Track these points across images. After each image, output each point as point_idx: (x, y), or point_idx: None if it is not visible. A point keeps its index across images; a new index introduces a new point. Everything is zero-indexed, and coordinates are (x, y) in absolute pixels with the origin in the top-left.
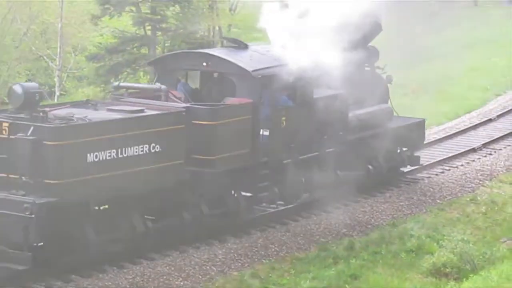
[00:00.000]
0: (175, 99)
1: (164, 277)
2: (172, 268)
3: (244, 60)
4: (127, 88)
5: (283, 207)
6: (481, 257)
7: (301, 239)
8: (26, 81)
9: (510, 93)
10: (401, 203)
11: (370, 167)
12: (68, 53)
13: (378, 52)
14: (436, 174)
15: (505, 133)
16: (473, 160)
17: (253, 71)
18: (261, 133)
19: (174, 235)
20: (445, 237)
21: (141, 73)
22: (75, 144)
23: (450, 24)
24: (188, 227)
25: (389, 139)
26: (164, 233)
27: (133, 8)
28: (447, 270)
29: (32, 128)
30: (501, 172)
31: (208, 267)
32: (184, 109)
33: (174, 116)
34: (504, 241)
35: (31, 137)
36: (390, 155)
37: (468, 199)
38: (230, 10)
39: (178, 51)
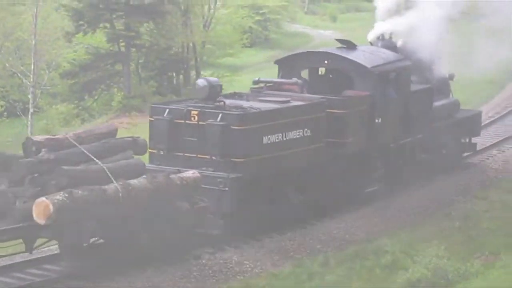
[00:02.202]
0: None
1: None
2: (149, 284)
3: (360, 58)
4: (266, 82)
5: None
6: (455, 272)
7: (275, 255)
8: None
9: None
10: (375, 219)
11: (444, 151)
12: (42, 70)
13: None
14: (413, 190)
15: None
16: (449, 176)
17: (371, 67)
18: (376, 121)
19: (316, 207)
20: (419, 253)
21: (115, 89)
22: (255, 128)
23: None
24: (326, 201)
25: (458, 127)
26: (310, 205)
27: (107, 25)
28: (422, 285)
29: (220, 115)
30: (475, 187)
31: (182, 284)
32: (325, 100)
33: (318, 105)
34: (479, 257)
35: (221, 123)
36: (457, 141)
37: (442, 214)
38: (204, 26)
39: (301, 51)
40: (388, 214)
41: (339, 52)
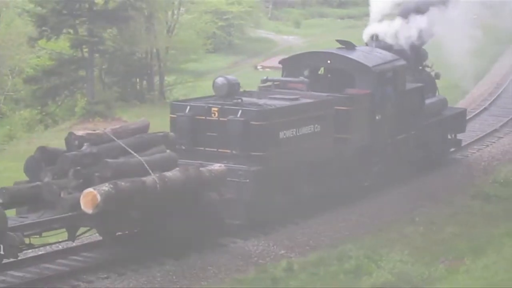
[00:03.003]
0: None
1: None
2: None
3: (361, 58)
4: (274, 81)
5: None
6: (419, 277)
7: (239, 260)
8: None
9: None
10: (339, 224)
11: (433, 147)
12: (5, 75)
13: (427, 53)
14: (374, 196)
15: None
16: (411, 181)
17: (372, 66)
18: (376, 117)
19: (324, 199)
20: (383, 258)
21: (79, 95)
22: (273, 124)
23: None
24: (332, 194)
25: (445, 124)
26: (320, 197)
27: (71, 30)
28: None
29: (240, 111)
30: (439, 192)
31: None
32: (333, 97)
33: (327, 103)
34: (443, 261)
35: (241, 118)
36: (445, 137)
37: (406, 219)
38: (167, 32)
39: (304, 52)
40: (351, 219)
41: (341, 52)
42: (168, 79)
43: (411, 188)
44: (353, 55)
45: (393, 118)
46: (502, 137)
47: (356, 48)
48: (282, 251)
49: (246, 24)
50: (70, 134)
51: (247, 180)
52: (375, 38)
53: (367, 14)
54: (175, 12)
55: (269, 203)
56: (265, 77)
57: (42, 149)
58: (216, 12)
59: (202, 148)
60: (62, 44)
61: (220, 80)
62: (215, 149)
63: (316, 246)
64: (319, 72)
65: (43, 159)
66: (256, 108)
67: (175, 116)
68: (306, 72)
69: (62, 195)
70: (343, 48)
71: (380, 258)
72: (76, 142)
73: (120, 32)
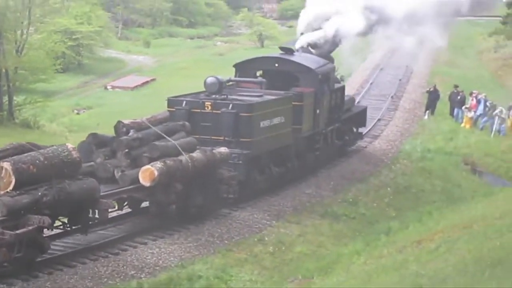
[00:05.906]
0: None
1: None
2: None
3: (304, 61)
4: (236, 81)
5: None
6: None
7: (89, 281)
8: None
9: None
10: (189, 244)
11: (347, 138)
12: None
13: (334, 59)
14: (224, 215)
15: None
16: (259, 201)
17: (315, 68)
18: (317, 111)
19: (284, 179)
20: (233, 278)
21: None
22: (256, 115)
23: None
24: (291, 174)
25: (354, 119)
26: (282, 176)
27: None
28: None
29: (231, 105)
30: (288, 212)
31: None
32: (291, 94)
33: (288, 98)
34: (292, 281)
35: (233, 111)
36: (352, 130)
37: (255, 239)
38: (16, 52)
39: (254, 57)
40: (201, 239)
41: (286, 57)
42: (18, 99)
43: (257, 208)
44: (297, 59)
45: (326, 112)
46: (350, 157)
47: (295, 53)
48: (132, 272)
49: (96, 44)
50: (119, 122)
51: (240, 162)
52: (306, 46)
53: (216, 34)
54: (24, 31)
55: (252, 181)
56: (228, 77)
57: (94, 135)
58: (65, 31)
59: (198, 136)
60: None
61: (211, 79)
62: (209, 137)
63: (166, 267)
64: (258, 74)
65: (94, 143)
66: (243, 102)
67: (173, 109)
68: (256, 73)
69: (115, 172)
70: (284, 53)
71: (230, 278)
72: (124, 129)
73: None
